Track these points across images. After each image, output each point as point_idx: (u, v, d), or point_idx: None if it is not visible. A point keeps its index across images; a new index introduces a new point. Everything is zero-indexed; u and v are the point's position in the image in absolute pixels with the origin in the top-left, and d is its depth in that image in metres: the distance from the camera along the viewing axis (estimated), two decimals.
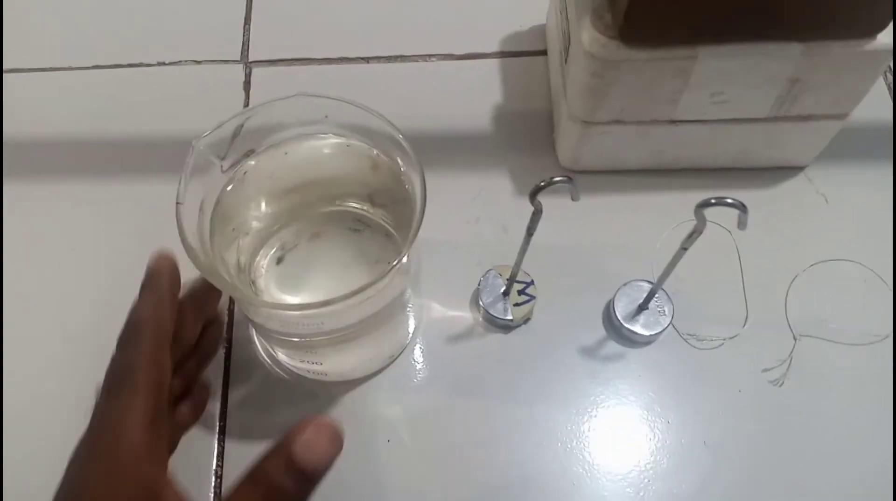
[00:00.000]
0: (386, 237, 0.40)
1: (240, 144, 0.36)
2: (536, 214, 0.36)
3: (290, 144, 0.37)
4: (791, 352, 0.43)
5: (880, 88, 0.51)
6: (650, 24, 0.37)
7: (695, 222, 0.34)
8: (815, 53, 0.38)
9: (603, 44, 0.38)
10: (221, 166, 0.35)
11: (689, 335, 0.44)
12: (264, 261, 0.40)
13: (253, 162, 0.37)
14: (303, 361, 0.40)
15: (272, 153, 0.37)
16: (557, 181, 0.33)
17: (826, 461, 0.40)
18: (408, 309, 0.41)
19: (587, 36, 0.39)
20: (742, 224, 0.33)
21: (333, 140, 0.37)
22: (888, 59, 0.39)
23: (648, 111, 0.42)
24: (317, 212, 0.41)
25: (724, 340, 0.43)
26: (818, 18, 0.37)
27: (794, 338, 0.43)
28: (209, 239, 0.35)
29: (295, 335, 0.37)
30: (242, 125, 0.35)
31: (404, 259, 0.32)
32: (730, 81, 0.40)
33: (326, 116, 0.36)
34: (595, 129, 0.44)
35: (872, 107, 0.50)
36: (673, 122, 0.43)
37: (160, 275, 0.34)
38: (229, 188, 0.36)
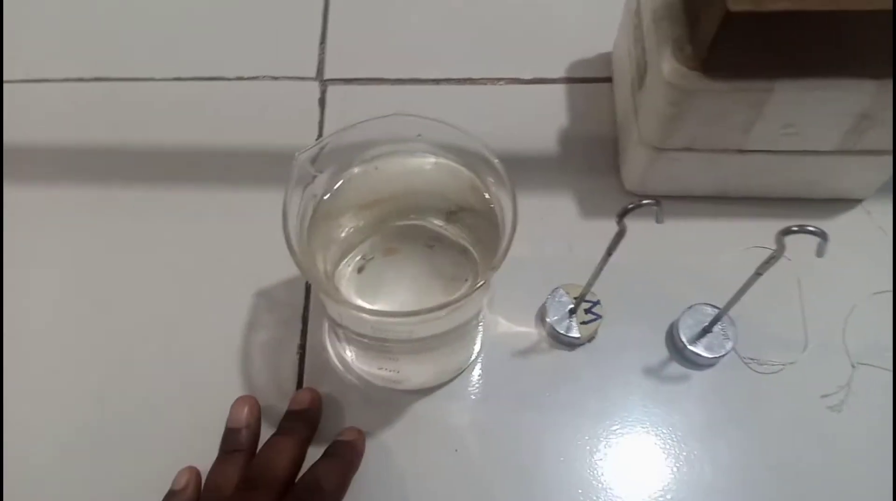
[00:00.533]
0: (460, 254, 0.41)
1: (334, 158, 0.37)
2: (620, 234, 0.37)
3: (381, 160, 0.39)
4: (849, 379, 0.44)
5: None
6: (732, 57, 0.38)
7: (773, 249, 0.35)
8: (886, 91, 0.39)
9: (683, 74, 0.40)
10: (316, 177, 0.37)
11: (750, 359, 0.45)
12: (347, 270, 0.42)
13: (346, 175, 0.38)
14: (380, 368, 0.42)
15: (364, 168, 0.39)
16: (646, 204, 0.34)
17: (882, 486, 0.41)
18: (480, 324, 0.42)
19: (668, 66, 0.40)
20: (821, 252, 0.34)
21: (422, 158, 0.39)
22: None
23: (720, 140, 0.44)
24: (392, 226, 0.42)
25: (784, 365, 0.44)
26: (885, 56, 0.38)
27: (853, 366, 0.44)
28: (306, 245, 0.36)
29: (381, 341, 0.39)
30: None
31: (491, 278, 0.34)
32: (802, 115, 0.41)
33: (419, 135, 0.37)
34: (666, 155, 0.45)
35: None
36: (742, 151, 0.44)
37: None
38: (326, 198, 0.38)
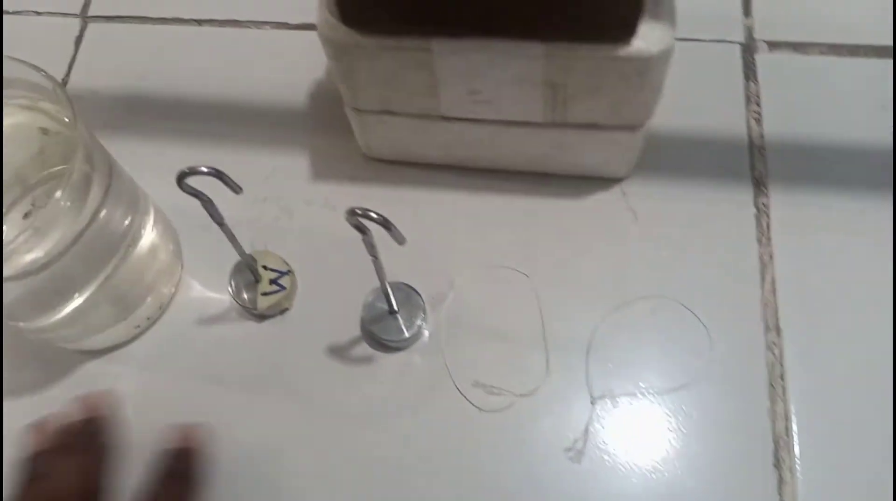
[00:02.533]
0: None
1: None
2: (204, 203, 0.34)
3: None
4: (588, 420, 0.39)
5: (736, 95, 0.46)
6: (369, 9, 0.34)
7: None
8: (559, 56, 0.34)
9: (332, 26, 0.35)
10: None
11: (475, 384, 0.40)
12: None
13: None
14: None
15: None
16: (203, 172, 0.31)
17: None
18: (147, 277, 0.40)
19: (320, 17, 0.36)
20: (398, 240, 0.30)
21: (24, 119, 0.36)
22: (654, 68, 0.34)
23: (412, 104, 0.39)
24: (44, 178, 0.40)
25: (517, 396, 0.40)
26: (556, 18, 0.33)
27: (592, 402, 0.39)
28: None
29: None
30: None
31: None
32: (482, 80, 0.36)
33: None
34: (368, 117, 0.41)
35: (724, 114, 0.45)
36: (444, 118, 0.40)
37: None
38: None
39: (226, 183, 0.31)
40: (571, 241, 0.43)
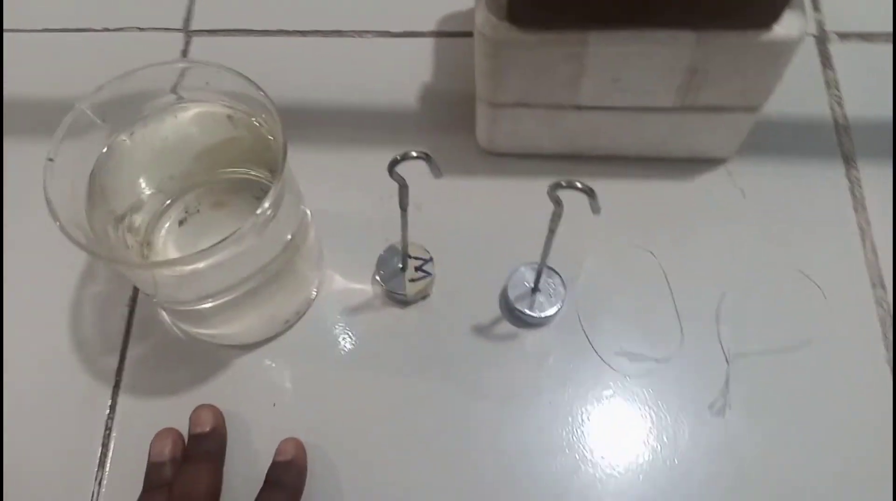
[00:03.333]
0: None
1: (123, 108, 0.37)
2: (402, 188, 0.36)
3: (172, 111, 0.38)
4: (727, 377, 0.42)
5: (816, 78, 0.50)
6: (537, 7, 0.37)
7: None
8: (708, 43, 0.38)
9: (493, 25, 0.38)
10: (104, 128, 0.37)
11: (619, 352, 0.43)
12: (168, 222, 0.42)
13: (137, 129, 0.38)
14: (193, 324, 0.42)
15: (160, 119, 0.38)
16: (414, 156, 0.33)
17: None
18: (298, 277, 0.42)
19: (480, 17, 0.39)
20: (594, 209, 0.33)
21: (206, 109, 0.38)
22: (788, 52, 0.38)
23: (551, 95, 0.42)
24: (221, 179, 0.42)
25: (658, 361, 0.43)
26: (710, 6, 0.36)
27: (727, 361, 0.42)
28: (85, 199, 0.36)
29: (177, 302, 0.38)
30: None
31: (250, 227, 0.33)
32: (627, 68, 0.40)
33: (207, 83, 0.37)
34: (502, 111, 0.44)
35: (805, 98, 0.49)
36: (578, 107, 0.43)
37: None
38: (115, 150, 0.37)
39: (431, 166, 0.34)
40: (688, 219, 0.46)
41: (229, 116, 0.38)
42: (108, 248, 0.36)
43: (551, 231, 0.36)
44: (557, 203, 0.34)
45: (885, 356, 0.42)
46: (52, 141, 0.34)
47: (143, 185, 0.40)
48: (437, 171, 0.34)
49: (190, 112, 0.38)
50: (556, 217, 0.35)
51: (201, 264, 0.34)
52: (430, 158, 0.33)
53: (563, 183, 0.32)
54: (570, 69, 0.40)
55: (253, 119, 0.38)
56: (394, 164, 0.34)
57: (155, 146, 0.39)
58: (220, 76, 0.36)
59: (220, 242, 0.32)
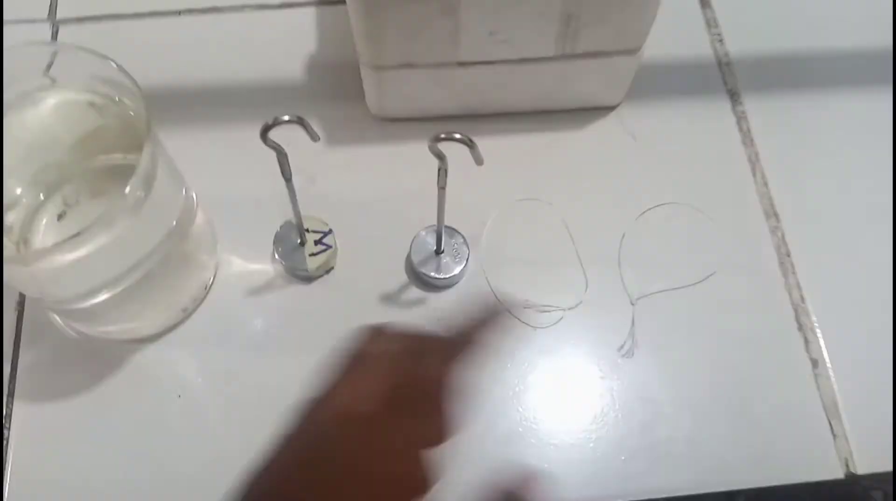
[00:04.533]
0: None
1: None
2: (280, 156, 0.35)
3: (36, 101, 0.36)
4: (633, 319, 0.43)
5: (696, 19, 0.51)
6: None
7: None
8: None
9: None
10: None
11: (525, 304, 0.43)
12: (45, 218, 0.39)
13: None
14: (87, 322, 0.40)
15: (22, 109, 0.36)
16: (286, 120, 0.33)
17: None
18: (189, 262, 0.41)
19: None
20: (477, 160, 0.33)
21: (77, 96, 0.36)
22: None
23: (433, 53, 0.42)
24: (95, 167, 0.40)
25: (564, 310, 0.43)
26: None
27: (632, 303, 0.43)
28: None
29: (64, 301, 0.37)
30: None
31: (121, 209, 0.31)
32: (502, 19, 0.39)
33: (71, 69, 0.35)
34: (388, 74, 0.43)
35: (686, 40, 0.50)
36: (462, 64, 0.42)
37: None
38: None
39: (307, 130, 0.33)
40: (583, 167, 0.47)
41: (91, 103, 0.36)
42: None
43: (441, 188, 0.36)
44: (440, 157, 0.33)
45: (782, 282, 0.44)
46: None
47: (13, 182, 0.38)
48: (313, 134, 0.33)
49: (50, 102, 0.36)
50: (442, 172, 0.35)
51: (79, 253, 0.32)
52: (304, 120, 0.32)
53: (443, 135, 0.32)
54: (446, 24, 0.39)
55: (122, 101, 0.36)
56: (266, 130, 0.33)
57: (19, 139, 0.37)
58: (81, 59, 0.34)
59: (89, 226, 0.31)
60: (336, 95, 0.49)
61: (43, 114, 0.37)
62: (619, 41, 0.42)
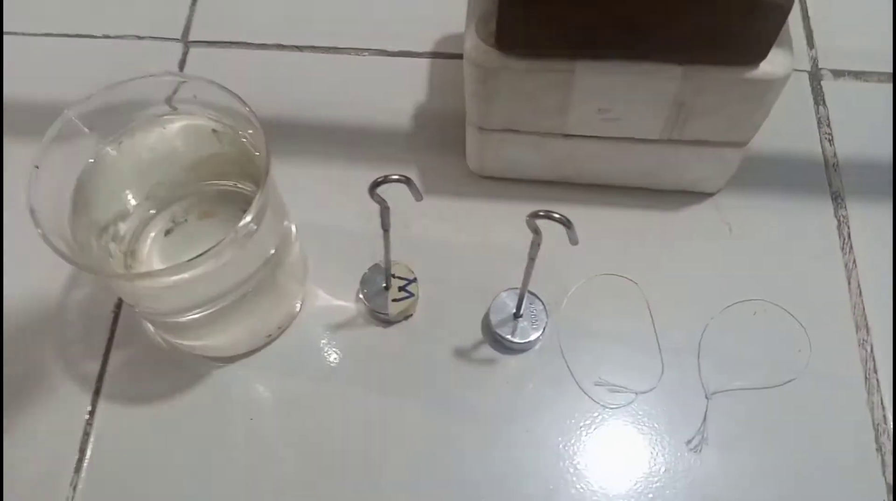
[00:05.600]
0: None
1: (113, 119, 0.37)
2: (384, 210, 0.36)
3: (164, 123, 0.39)
4: (705, 414, 0.42)
5: (808, 115, 0.50)
6: (524, 35, 0.37)
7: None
8: (694, 77, 0.38)
9: (483, 51, 0.39)
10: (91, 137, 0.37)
11: (599, 382, 0.43)
12: (154, 232, 0.42)
13: (126, 138, 0.38)
14: (175, 335, 0.42)
15: (148, 129, 0.39)
16: (395, 179, 0.34)
17: None
18: (280, 291, 0.42)
19: (469, 43, 0.39)
20: (572, 240, 0.33)
21: (192, 122, 0.39)
22: (775, 89, 0.38)
23: (539, 123, 0.42)
24: (209, 190, 0.42)
25: (637, 393, 0.43)
26: (694, 42, 0.37)
27: (707, 397, 0.42)
28: (70, 206, 0.36)
29: (158, 313, 0.39)
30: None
31: (229, 240, 0.33)
32: (614, 99, 0.40)
33: (195, 96, 0.37)
34: (491, 136, 0.44)
35: (797, 135, 0.50)
36: (566, 136, 0.43)
37: None
38: (102, 161, 0.38)
39: (412, 190, 0.34)
40: (673, 251, 0.46)
41: (214, 131, 0.38)
42: (89, 257, 0.37)
43: (531, 259, 0.37)
44: (536, 232, 0.34)
45: (864, 398, 0.42)
46: (39, 148, 0.34)
47: (130, 195, 0.40)
48: (417, 194, 0.34)
49: (176, 125, 0.39)
50: (534, 245, 0.35)
51: (182, 277, 0.34)
52: (411, 181, 0.34)
53: (541, 213, 0.32)
54: (557, 97, 0.40)
55: (239, 133, 0.38)
56: (374, 186, 0.34)
57: (142, 157, 0.40)
58: (208, 90, 0.36)
59: (199, 255, 0.32)
60: (437, 145, 0.50)
61: (168, 135, 0.40)
62: (728, 133, 0.42)
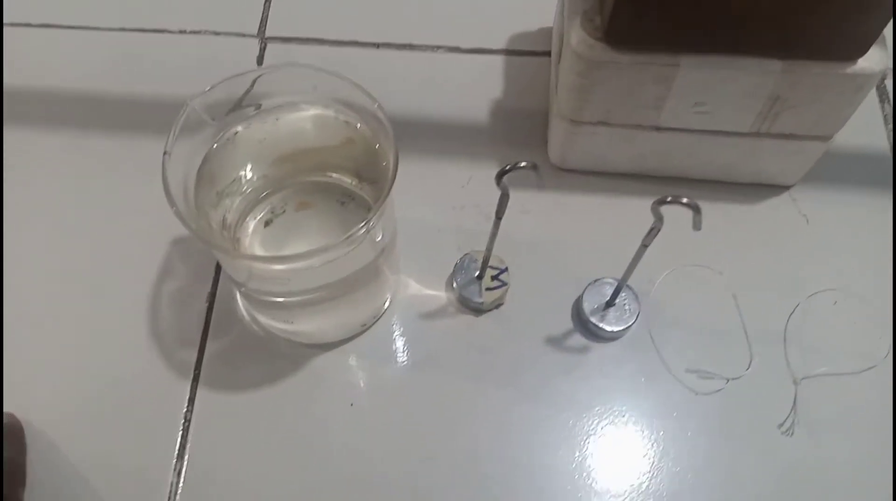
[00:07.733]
0: (369, 212, 0.42)
1: (230, 107, 0.38)
2: (504, 197, 0.37)
3: (281, 112, 0.39)
4: (794, 399, 0.43)
5: (875, 113, 0.52)
6: (634, 30, 0.38)
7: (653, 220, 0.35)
8: (794, 72, 0.39)
9: (589, 45, 0.40)
10: (213, 126, 0.38)
11: (688, 371, 0.44)
12: (253, 222, 0.42)
13: (243, 126, 0.39)
14: (275, 319, 0.42)
15: (263, 118, 0.39)
16: (522, 167, 0.35)
17: None
18: (381, 281, 0.43)
19: (576, 36, 0.40)
20: (696, 225, 0.34)
21: (320, 111, 0.39)
22: (869, 85, 0.40)
23: (633, 115, 0.44)
24: (306, 181, 0.43)
25: (728, 379, 0.45)
26: (797, 37, 0.38)
27: (795, 383, 0.43)
28: (193, 193, 0.37)
29: (267, 293, 0.39)
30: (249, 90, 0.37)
31: (363, 230, 0.34)
32: (711, 93, 0.41)
33: (315, 87, 0.38)
34: (582, 128, 0.45)
35: (864, 131, 0.51)
36: (657, 128, 0.44)
37: None
38: (216, 148, 0.38)
39: (538, 176, 0.35)
40: (754, 242, 0.48)
41: (347, 122, 0.39)
42: (213, 236, 0.37)
43: (644, 246, 0.38)
44: (660, 219, 0.35)
45: None
46: (169, 137, 0.35)
47: (248, 170, 0.41)
48: (541, 182, 0.35)
49: (306, 113, 0.39)
50: (653, 232, 0.36)
51: (310, 262, 0.35)
52: (537, 167, 0.34)
53: (669, 198, 0.34)
54: (657, 91, 0.41)
55: (358, 125, 0.39)
56: (503, 174, 0.35)
57: (264, 139, 0.40)
58: (330, 83, 0.37)
59: (308, 252, 0.33)
60: (515, 140, 0.51)
61: (293, 121, 0.40)
62: (815, 127, 0.43)
